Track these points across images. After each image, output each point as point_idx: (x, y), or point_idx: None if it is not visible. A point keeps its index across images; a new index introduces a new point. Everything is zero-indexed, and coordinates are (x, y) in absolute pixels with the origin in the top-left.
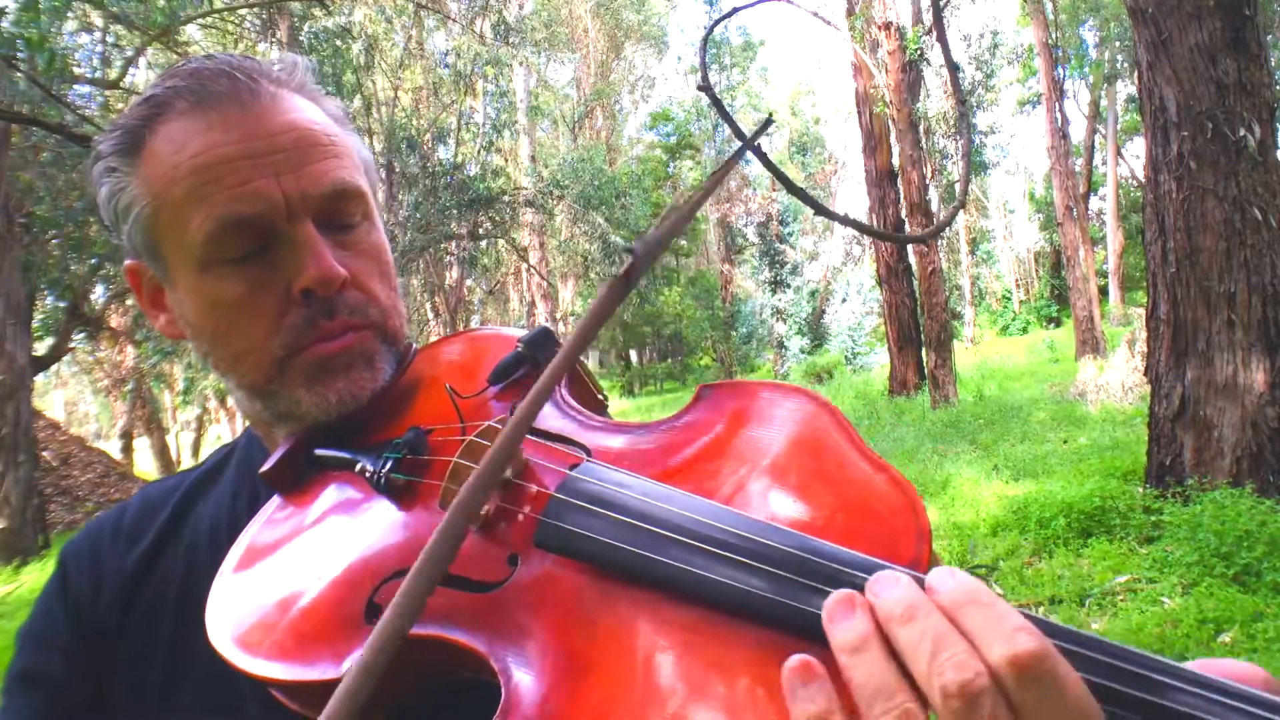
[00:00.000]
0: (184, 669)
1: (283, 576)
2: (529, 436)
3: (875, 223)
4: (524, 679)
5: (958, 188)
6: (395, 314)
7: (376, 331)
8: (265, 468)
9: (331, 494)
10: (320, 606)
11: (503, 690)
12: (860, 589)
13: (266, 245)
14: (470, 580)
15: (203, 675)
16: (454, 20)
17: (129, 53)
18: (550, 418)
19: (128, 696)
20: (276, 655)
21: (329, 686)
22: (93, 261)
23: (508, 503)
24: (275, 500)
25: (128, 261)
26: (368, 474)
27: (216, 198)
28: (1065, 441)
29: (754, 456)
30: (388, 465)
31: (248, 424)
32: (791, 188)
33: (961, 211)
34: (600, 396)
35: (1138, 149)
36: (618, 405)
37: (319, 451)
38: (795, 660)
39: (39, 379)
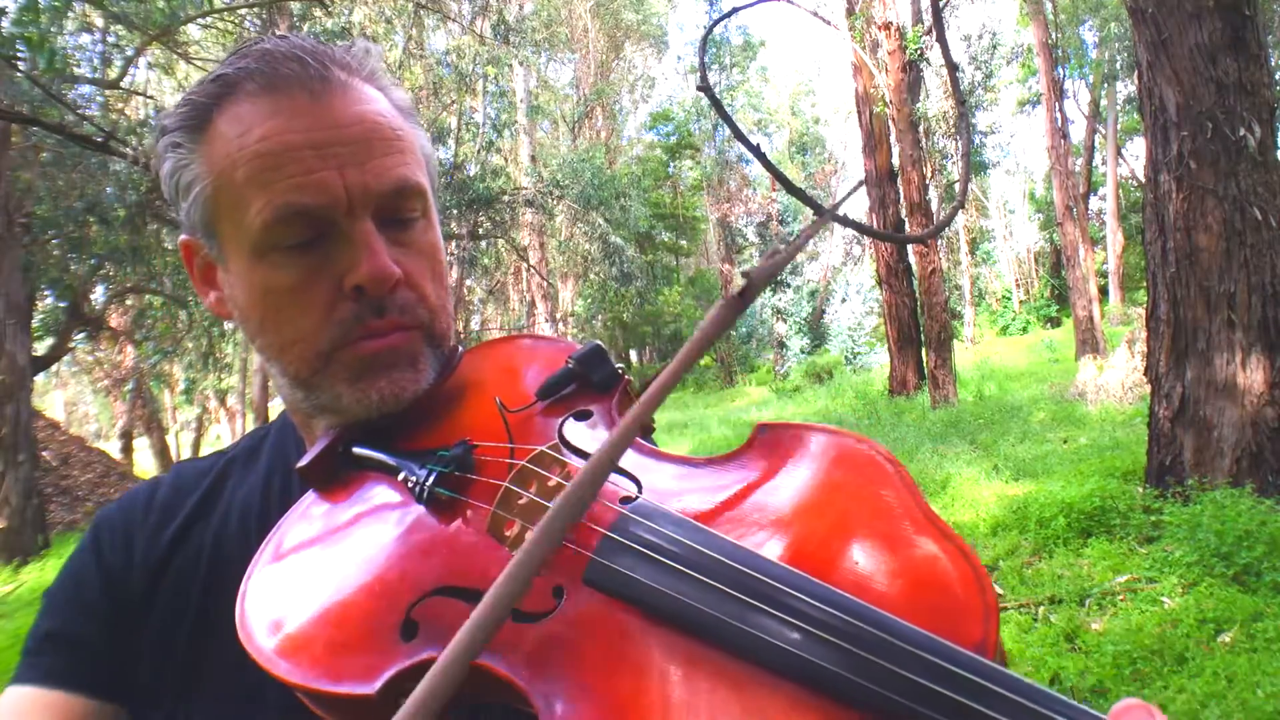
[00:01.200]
0: (206, 651)
1: (314, 578)
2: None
3: (875, 223)
4: (566, 715)
5: (958, 188)
6: (444, 315)
7: (424, 332)
8: (303, 463)
9: (368, 497)
10: (353, 616)
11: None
12: (920, 668)
13: (324, 237)
14: (516, 610)
15: (225, 659)
16: (454, 20)
17: (129, 53)
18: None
19: (150, 675)
20: (305, 663)
21: (353, 702)
22: (93, 261)
23: None
24: (310, 496)
25: (183, 237)
26: (410, 483)
27: (278, 185)
28: (1065, 441)
29: (814, 511)
30: (432, 477)
31: (284, 410)
32: (791, 188)
33: (961, 211)
34: (649, 421)
35: (1138, 149)
36: None
37: (357, 450)
38: None
39: (39, 379)
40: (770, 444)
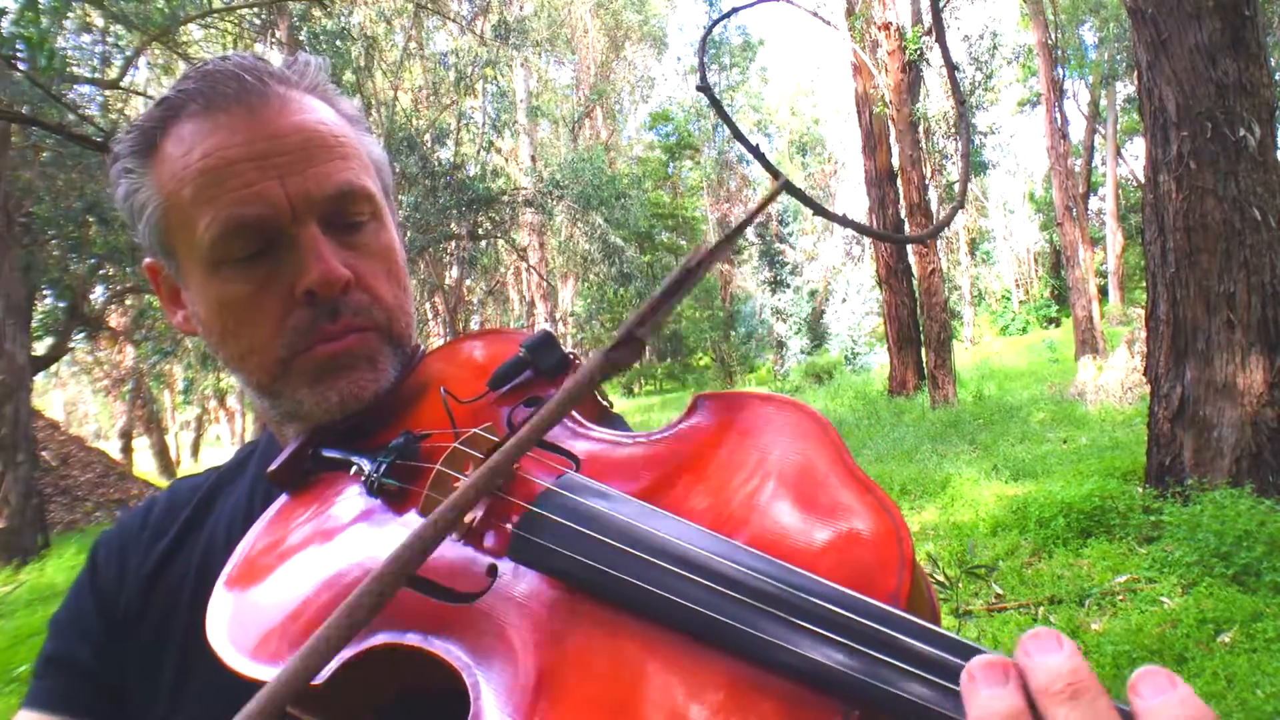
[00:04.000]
0: (195, 670)
1: (280, 579)
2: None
3: (875, 223)
4: (492, 695)
5: (957, 188)
6: (402, 315)
7: (381, 333)
8: (272, 467)
9: (333, 496)
10: (315, 610)
11: (471, 705)
12: (831, 622)
13: (272, 246)
14: (449, 589)
15: (212, 676)
16: (454, 21)
17: (129, 53)
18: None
19: (141, 694)
20: (268, 658)
21: (309, 695)
22: (92, 261)
23: (494, 513)
24: (282, 500)
25: (147, 260)
26: (363, 477)
27: (221, 200)
28: (1065, 441)
29: (742, 475)
30: (381, 469)
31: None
32: (791, 189)
33: (961, 211)
34: (605, 402)
35: (1138, 149)
36: (618, 405)
37: (325, 452)
38: None
39: (39, 379)
40: (707, 413)
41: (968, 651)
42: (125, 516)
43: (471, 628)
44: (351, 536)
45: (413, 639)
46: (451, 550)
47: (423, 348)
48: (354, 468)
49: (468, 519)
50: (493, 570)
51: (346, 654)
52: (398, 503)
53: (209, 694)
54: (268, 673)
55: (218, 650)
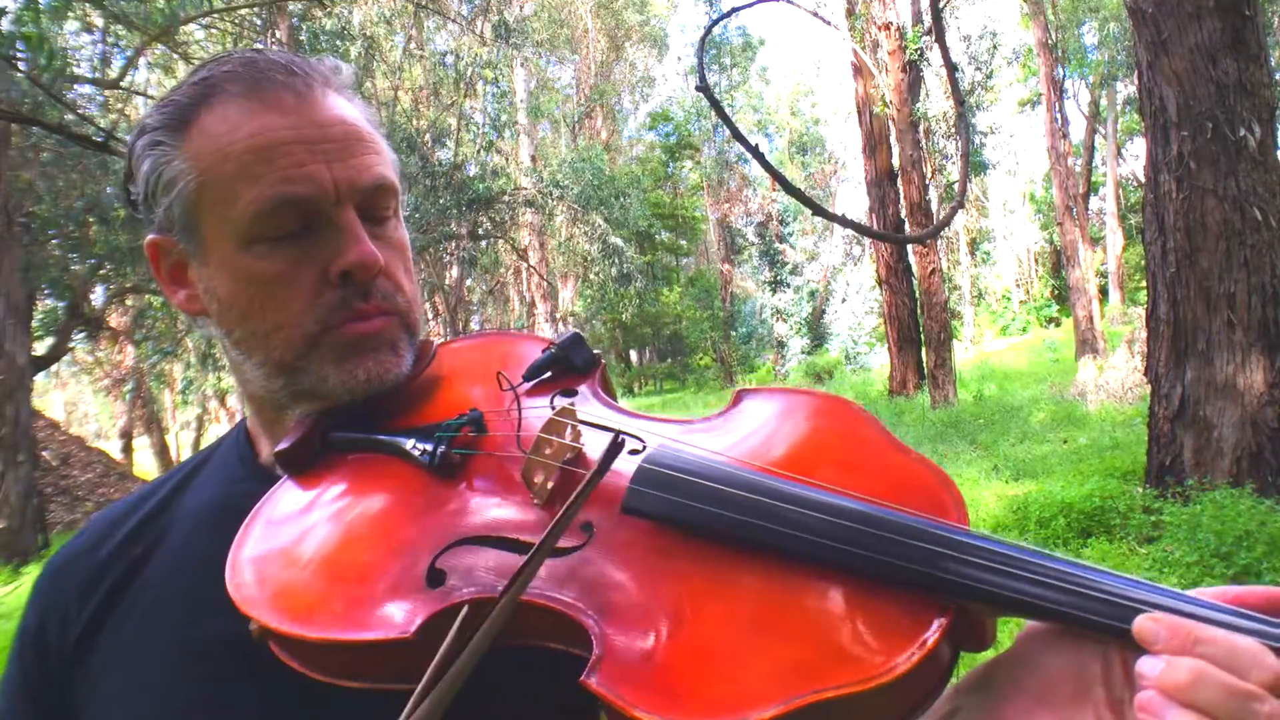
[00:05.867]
0: (150, 660)
1: (317, 548)
2: (596, 425)
3: (875, 223)
4: (617, 632)
5: (957, 188)
6: (417, 307)
7: (401, 321)
8: (282, 446)
9: (360, 472)
10: (373, 573)
11: (594, 645)
12: (923, 542)
13: (310, 227)
14: (555, 547)
15: (168, 662)
16: (454, 21)
17: (129, 53)
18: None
19: (94, 700)
20: (326, 620)
21: (388, 646)
22: (92, 261)
23: (568, 478)
24: (286, 482)
25: (151, 236)
26: (419, 451)
27: (269, 177)
28: (1065, 441)
29: (805, 444)
30: (442, 444)
31: (242, 417)
32: (790, 189)
33: (961, 211)
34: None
35: (1138, 149)
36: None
37: (336, 435)
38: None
39: (39, 379)
40: (756, 402)
41: (1045, 558)
42: (58, 551)
43: (577, 578)
44: (405, 505)
45: (532, 595)
46: (535, 516)
47: (435, 343)
48: (398, 447)
49: (548, 485)
50: (587, 527)
51: (436, 607)
52: (458, 473)
53: (169, 677)
54: (323, 630)
55: (269, 620)
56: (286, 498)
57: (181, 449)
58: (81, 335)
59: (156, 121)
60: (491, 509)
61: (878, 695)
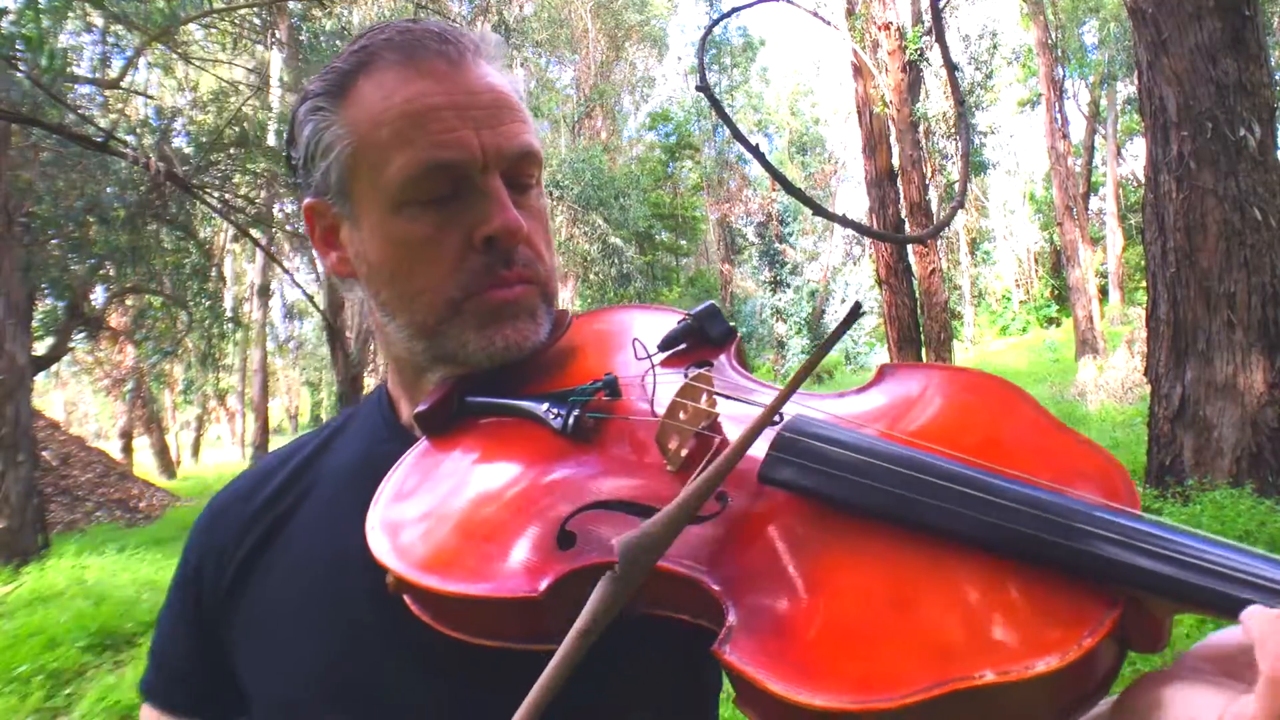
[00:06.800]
0: (298, 609)
1: (453, 506)
2: (728, 395)
3: (875, 223)
4: (751, 603)
5: (957, 188)
6: (555, 277)
7: (540, 290)
8: (421, 408)
9: (494, 435)
10: (505, 532)
11: (727, 615)
12: (1092, 525)
13: (458, 192)
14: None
15: (317, 605)
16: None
17: (129, 53)
18: (747, 386)
19: (249, 665)
20: (460, 574)
21: (515, 604)
22: (92, 261)
23: (704, 445)
24: (423, 443)
25: (307, 200)
26: (553, 415)
27: (420, 142)
28: None
29: (955, 421)
30: (576, 408)
31: (382, 382)
32: (790, 189)
33: (961, 211)
34: None
35: (1138, 149)
36: None
37: (471, 399)
38: None
39: (39, 379)
40: (901, 377)
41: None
42: (218, 494)
43: (711, 546)
44: (538, 469)
45: (667, 563)
46: (669, 485)
47: (570, 313)
48: (533, 411)
49: (682, 451)
50: (722, 497)
51: (566, 567)
52: (592, 438)
53: (317, 626)
54: (457, 584)
55: (405, 572)
56: (424, 457)
57: (182, 449)
58: (81, 335)
59: (318, 88)
60: (624, 474)
61: (1029, 690)
